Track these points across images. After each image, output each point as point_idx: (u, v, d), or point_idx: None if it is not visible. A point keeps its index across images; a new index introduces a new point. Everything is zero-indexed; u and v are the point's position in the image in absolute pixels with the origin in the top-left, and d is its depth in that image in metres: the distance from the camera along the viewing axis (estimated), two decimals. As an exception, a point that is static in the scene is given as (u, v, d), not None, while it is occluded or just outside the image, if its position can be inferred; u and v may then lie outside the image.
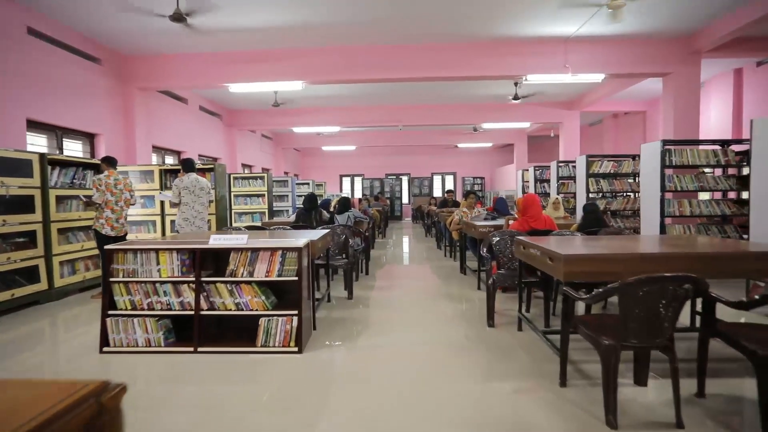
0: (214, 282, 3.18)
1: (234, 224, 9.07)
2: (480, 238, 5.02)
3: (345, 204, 6.03)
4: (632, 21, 5.97)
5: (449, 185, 19.88)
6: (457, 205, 8.87)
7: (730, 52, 6.51)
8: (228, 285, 3.17)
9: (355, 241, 5.83)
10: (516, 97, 8.97)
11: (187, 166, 5.52)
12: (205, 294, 3.18)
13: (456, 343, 3.31)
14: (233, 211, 9.10)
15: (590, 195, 7.34)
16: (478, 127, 13.11)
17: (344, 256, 5.02)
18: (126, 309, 3.19)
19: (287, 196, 10.84)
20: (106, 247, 3.23)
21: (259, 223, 7.93)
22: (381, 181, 18.84)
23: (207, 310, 3.17)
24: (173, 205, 5.48)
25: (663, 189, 5.38)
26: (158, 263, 3.21)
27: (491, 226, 5.04)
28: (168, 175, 6.52)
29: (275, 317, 3.15)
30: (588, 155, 7.33)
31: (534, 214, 4.35)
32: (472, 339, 3.40)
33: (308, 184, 13.14)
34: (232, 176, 9.08)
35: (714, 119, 8.67)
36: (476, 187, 18.94)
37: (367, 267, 6.21)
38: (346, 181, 20.07)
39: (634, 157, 7.45)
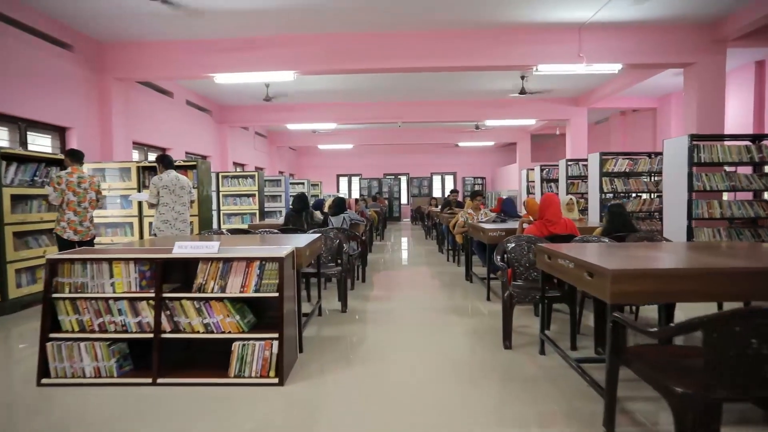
0: (179, 298, 2.64)
1: (223, 226, 8.53)
2: (490, 243, 4.50)
3: (340, 205, 5.50)
4: (653, 6, 5.46)
5: (449, 185, 19.36)
6: (460, 206, 8.35)
7: (757, 41, 6.01)
8: (195, 302, 2.64)
9: (350, 245, 5.31)
10: (523, 92, 8.47)
11: (166, 162, 4.98)
12: (168, 313, 2.64)
13: (468, 371, 2.78)
14: (222, 212, 8.56)
15: (604, 195, 6.83)
16: (481, 124, 12.60)
17: (338, 263, 4.48)
18: (72, 331, 2.65)
19: (280, 196, 10.30)
20: (47, 256, 2.69)
21: (245, 226, 7.40)
22: (379, 181, 18.32)
23: (170, 332, 2.63)
24: (151, 206, 4.95)
25: (691, 189, 4.87)
26: (112, 276, 2.67)
27: (502, 229, 4.52)
28: (147, 172, 5.97)
29: (252, 341, 2.61)
30: (602, 153, 6.83)
31: (553, 216, 3.82)
32: (486, 365, 2.87)
33: (303, 183, 12.60)
34: (220, 175, 8.54)
35: (733, 114, 8.17)
36: (477, 188, 18.44)
37: (364, 273, 5.68)
38: (344, 181, 19.54)
39: (650, 155, 6.95)
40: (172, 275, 2.90)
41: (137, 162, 5.86)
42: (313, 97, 10.05)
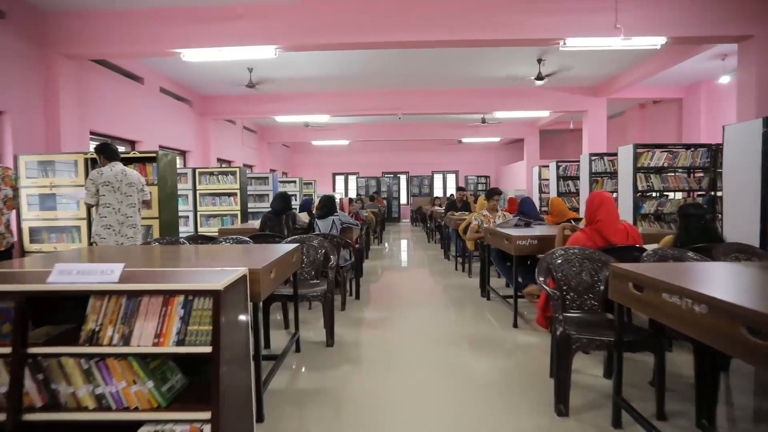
0: (57, 355, 1.66)
1: (201, 229, 7.54)
2: (518, 254, 3.52)
3: (328, 205, 4.52)
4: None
5: (451, 184, 18.39)
6: (467, 207, 7.38)
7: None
8: (83, 360, 1.66)
9: (342, 254, 4.32)
10: (540, 77, 7.49)
11: (108, 153, 4.00)
12: (40, 377, 1.66)
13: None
14: (199, 213, 7.56)
15: (642, 194, 5.87)
16: (489, 117, 11.62)
17: (327, 276, 3.50)
18: None
19: (267, 195, 9.30)
20: None
21: (215, 230, 6.40)
22: (377, 179, 17.34)
23: (42, 409, 1.65)
24: (89, 206, 3.97)
25: (767, 184, 3.90)
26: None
27: (532, 237, 3.54)
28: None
29: (170, 424, 1.64)
30: (637, 144, 5.86)
31: (608, 220, 2.85)
32: (538, 450, 1.90)
33: (294, 182, 11.60)
34: (198, 171, 7.54)
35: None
36: (480, 187, 17.48)
37: (358, 288, 4.69)
38: (340, 179, 18.55)
39: (692, 147, 5.99)
40: (59, 314, 1.92)
41: (84, 153, 4.86)
42: (302, 86, 9.06)
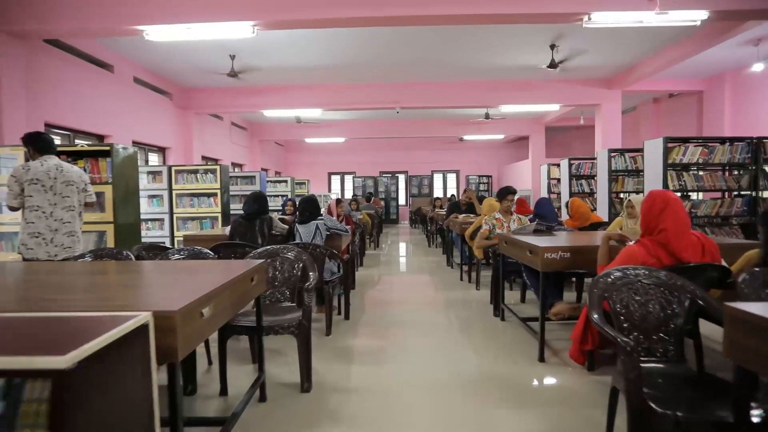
0: None
1: (176, 233, 6.80)
2: (546, 270, 2.80)
3: (310, 208, 3.79)
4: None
5: (451, 184, 17.68)
6: (472, 209, 6.65)
7: None
8: None
9: (327, 267, 3.60)
10: (553, 65, 6.77)
11: (40, 145, 3.28)
12: None
13: None
14: (175, 215, 6.82)
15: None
16: (494, 111, 10.90)
17: (301, 300, 2.77)
18: None
19: (254, 195, 8.57)
20: None
21: (180, 236, 5.68)
22: (374, 179, 16.61)
23: None
24: (12, 209, 3.24)
25: None
26: None
27: (564, 249, 2.80)
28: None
29: None
30: (667, 138, 5.14)
31: (676, 229, 2.12)
32: None
33: (285, 181, 10.87)
34: (173, 169, 6.80)
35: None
36: (482, 187, 16.77)
37: (347, 307, 3.96)
38: (336, 179, 17.83)
39: (724, 141, 5.28)
40: None
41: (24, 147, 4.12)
42: (291, 77, 8.33)
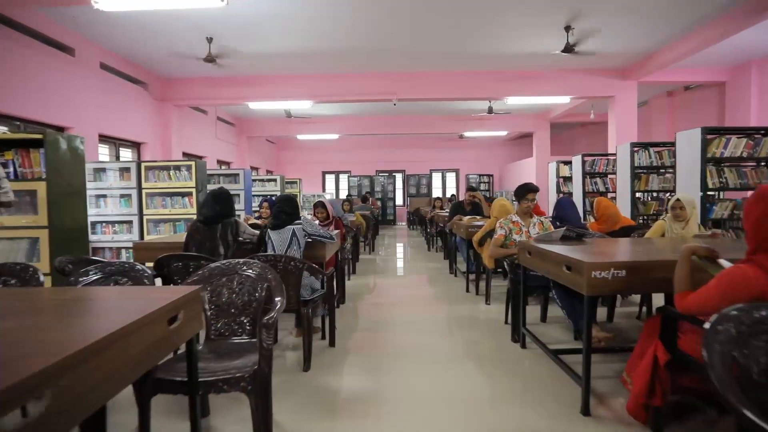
0: None
1: (147, 237, 6.06)
2: (592, 294, 2.08)
3: (287, 209, 3.07)
4: None
5: (451, 183, 16.98)
6: (478, 210, 5.94)
7: None
8: None
9: (307, 283, 2.89)
10: (568, 49, 6.06)
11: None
12: None
13: None
14: (145, 217, 6.08)
15: (718, 194, 4.47)
16: (497, 107, 10.20)
17: (262, 338, 2.05)
18: None
19: (237, 195, 7.84)
20: None
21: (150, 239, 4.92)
22: (371, 178, 15.89)
23: None
24: None
25: None
26: None
27: (617, 265, 2.08)
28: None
29: None
30: (706, 128, 4.45)
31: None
32: None
33: (275, 180, 10.14)
34: (143, 165, 6.05)
35: None
36: (483, 186, 16.08)
37: (333, 331, 3.23)
38: (330, 178, 17.09)
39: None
40: None
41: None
42: (277, 65, 7.60)
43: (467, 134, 12.99)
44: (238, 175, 7.94)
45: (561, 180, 8.56)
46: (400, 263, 7.29)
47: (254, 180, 10.10)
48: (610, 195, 7.33)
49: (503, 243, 3.55)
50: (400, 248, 9.34)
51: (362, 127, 12.43)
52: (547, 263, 2.53)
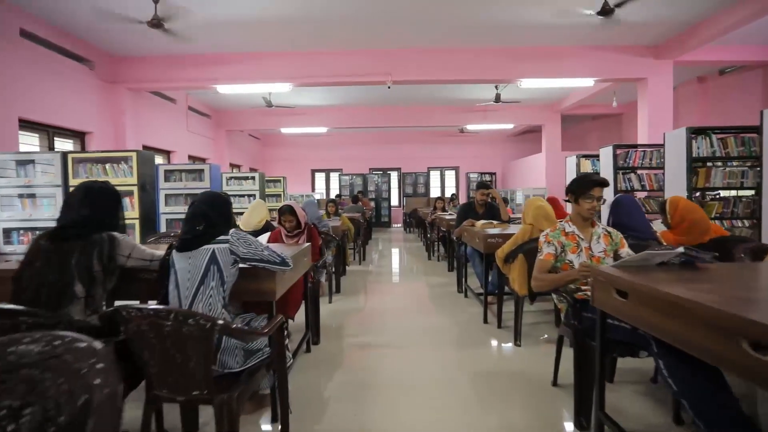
0: None
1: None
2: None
3: (213, 215, 1.84)
4: None
5: (450, 182, 15.77)
6: (494, 214, 4.71)
7: None
8: None
9: (233, 346, 1.62)
10: (606, 10, 4.86)
11: None
12: None
13: None
14: (73, 222, 4.83)
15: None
16: (505, 96, 9.00)
17: None
18: None
19: (202, 195, 6.59)
20: None
21: None
22: (363, 177, 14.65)
23: None
24: None
25: None
26: None
27: None
28: None
29: None
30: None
31: None
32: None
33: (252, 178, 8.86)
34: (71, 157, 4.79)
35: None
36: (473, 187, 14.84)
37: (285, 411, 1.99)
38: (320, 177, 15.83)
39: None
40: None
41: None
42: (249, 39, 6.38)
43: (470, 127, 11.79)
44: (202, 171, 6.66)
45: (582, 177, 7.35)
46: (395, 277, 6.06)
47: (230, 178, 8.84)
48: (640, 194, 6.16)
49: (553, 267, 2.33)
50: (395, 256, 8.11)
51: (353, 120, 11.20)
52: (659, 314, 1.31)
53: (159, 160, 8.71)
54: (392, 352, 3.12)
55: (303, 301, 3.07)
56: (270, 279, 1.99)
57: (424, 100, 10.41)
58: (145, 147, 7.91)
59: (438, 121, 11.30)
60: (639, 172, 5.99)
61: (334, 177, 15.39)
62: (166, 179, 6.62)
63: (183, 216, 3.28)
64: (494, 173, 15.04)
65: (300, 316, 3.12)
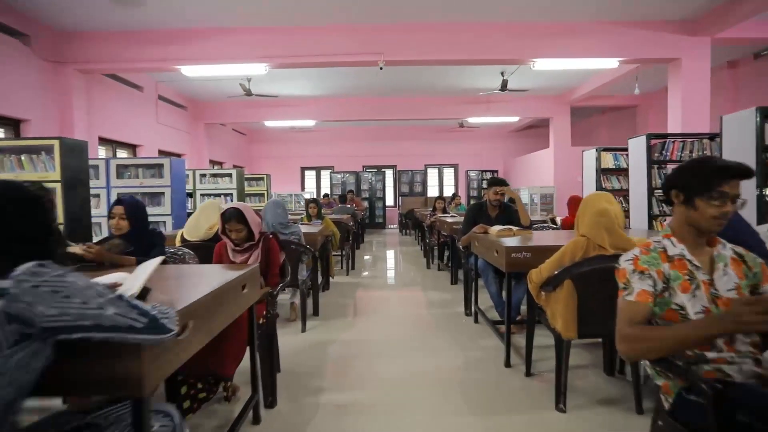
0: None
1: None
2: None
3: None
4: None
5: (448, 181, 14.82)
6: (511, 216, 3.76)
7: None
8: None
9: None
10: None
11: None
12: None
13: None
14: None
15: None
16: (513, 79, 8.03)
17: None
18: None
19: (161, 195, 5.58)
20: None
21: None
22: (357, 175, 13.68)
23: None
24: None
25: None
26: None
27: None
28: None
29: None
30: None
31: None
32: None
33: (228, 176, 7.88)
34: (-22, 147, 3.81)
35: None
36: (484, 184, 13.95)
37: None
38: (310, 175, 14.85)
39: None
40: None
41: None
42: (218, 12, 5.40)
43: (472, 120, 10.81)
44: (162, 165, 5.67)
45: (603, 175, 6.42)
46: (388, 291, 5.09)
47: (203, 174, 7.86)
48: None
49: (651, 314, 1.35)
50: (389, 263, 7.14)
51: (343, 112, 10.21)
52: None
53: (123, 155, 7.70)
54: (380, 419, 2.16)
55: (249, 347, 2.10)
56: (131, 356, 1.01)
57: (421, 90, 9.44)
58: (102, 140, 6.91)
59: (436, 113, 10.32)
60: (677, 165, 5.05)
61: (325, 175, 14.41)
62: (120, 176, 5.64)
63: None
64: (496, 171, 14.10)
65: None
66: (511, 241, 2.80)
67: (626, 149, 6.44)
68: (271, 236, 2.60)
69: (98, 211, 5.43)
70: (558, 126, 10.13)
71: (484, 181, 13.81)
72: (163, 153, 8.69)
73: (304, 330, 3.49)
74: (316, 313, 3.92)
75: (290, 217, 7.21)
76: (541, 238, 3.04)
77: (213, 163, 11.19)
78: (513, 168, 13.62)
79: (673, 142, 5.01)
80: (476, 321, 3.67)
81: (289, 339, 3.30)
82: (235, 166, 12.69)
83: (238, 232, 2.41)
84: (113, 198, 5.47)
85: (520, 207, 3.76)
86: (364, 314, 4.05)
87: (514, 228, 3.36)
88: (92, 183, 5.42)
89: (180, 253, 2.74)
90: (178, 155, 9.63)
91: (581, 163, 6.96)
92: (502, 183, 3.78)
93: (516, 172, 13.21)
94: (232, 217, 2.39)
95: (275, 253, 2.54)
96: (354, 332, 3.51)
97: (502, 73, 8.02)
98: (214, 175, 7.95)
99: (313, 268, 3.82)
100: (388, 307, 4.32)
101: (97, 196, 5.51)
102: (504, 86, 7.98)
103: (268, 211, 3.38)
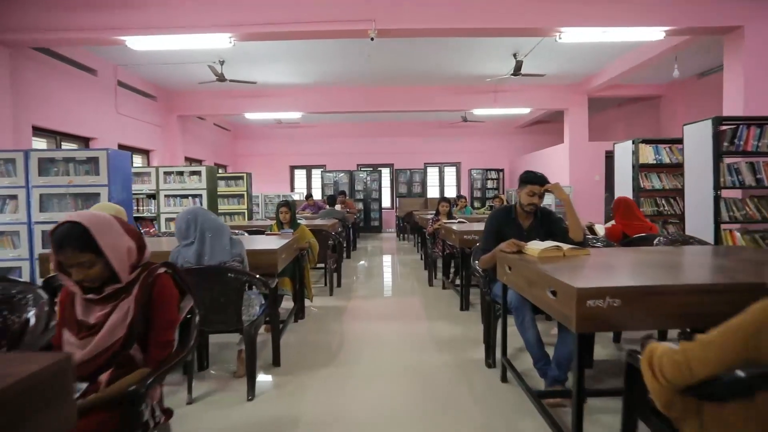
0: None
1: None
2: None
3: None
4: None
5: (449, 180, 13.70)
6: (551, 228, 2.63)
7: None
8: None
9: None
10: None
11: None
12: None
13: None
14: None
15: None
16: (528, 63, 6.88)
17: None
18: None
19: (98, 195, 4.44)
20: None
21: None
22: (350, 174, 12.54)
23: None
24: None
25: None
26: None
27: None
28: None
29: None
30: None
31: None
32: None
33: (198, 173, 6.74)
34: None
35: None
36: (489, 184, 12.84)
37: None
38: (300, 175, 13.71)
39: None
40: None
41: None
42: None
43: (477, 112, 9.68)
44: (96, 159, 4.50)
45: (642, 174, 5.30)
46: (381, 326, 3.90)
47: (167, 173, 6.73)
48: (755, 193, 4.12)
49: None
50: (385, 279, 6.00)
51: (333, 102, 9.08)
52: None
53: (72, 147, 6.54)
54: None
55: None
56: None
57: (418, 77, 8.30)
58: (37, 129, 5.75)
59: (438, 104, 9.18)
60: (753, 159, 3.94)
61: (317, 174, 13.27)
62: (43, 172, 4.48)
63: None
64: (502, 170, 12.97)
65: None
66: (576, 275, 1.67)
67: (666, 141, 5.35)
68: (163, 270, 1.45)
69: (15, 217, 4.29)
70: (574, 118, 9.02)
71: (476, 182, 12.68)
72: (125, 148, 7.53)
73: (251, 397, 2.34)
74: (277, 363, 2.78)
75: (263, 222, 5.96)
76: (616, 264, 1.91)
77: (190, 160, 10.03)
78: (521, 167, 12.47)
79: (748, 127, 3.88)
80: (504, 379, 2.53)
81: (226, 414, 2.17)
82: (217, 165, 11.57)
83: (82, 269, 1.27)
84: (35, 199, 4.34)
85: (570, 214, 2.63)
86: (344, 364, 2.90)
87: (564, 246, 2.23)
88: (7, 181, 4.32)
89: (20, 294, 1.60)
90: (147, 151, 8.51)
91: (602, 159, 5.84)
92: (542, 180, 2.65)
93: (522, 171, 12.07)
94: (67, 240, 1.25)
95: (169, 305, 1.40)
96: (327, 401, 2.37)
97: (514, 55, 6.90)
98: (180, 173, 6.81)
99: (272, 302, 2.67)
100: (380, 351, 3.17)
101: (15, 197, 4.36)
102: (518, 68, 6.84)
103: (186, 224, 2.24)
